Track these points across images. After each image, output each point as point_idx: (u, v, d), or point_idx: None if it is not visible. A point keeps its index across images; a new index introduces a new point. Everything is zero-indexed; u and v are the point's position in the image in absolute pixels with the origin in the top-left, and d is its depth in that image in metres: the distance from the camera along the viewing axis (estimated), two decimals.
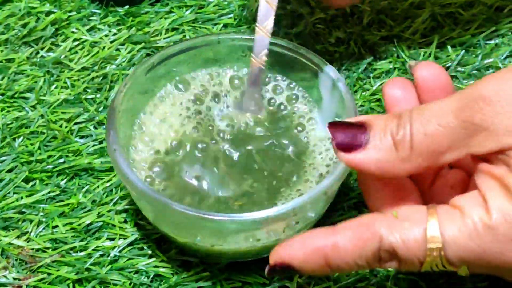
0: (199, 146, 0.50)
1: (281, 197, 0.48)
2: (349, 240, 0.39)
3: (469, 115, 0.37)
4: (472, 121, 0.37)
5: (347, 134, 0.39)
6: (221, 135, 0.51)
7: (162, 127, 0.51)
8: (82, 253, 0.50)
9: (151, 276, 0.49)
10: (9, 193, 0.52)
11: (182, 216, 0.43)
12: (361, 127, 0.39)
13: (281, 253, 0.40)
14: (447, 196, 0.40)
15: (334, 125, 0.40)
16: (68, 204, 0.52)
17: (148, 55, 0.60)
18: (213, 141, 0.50)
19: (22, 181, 0.53)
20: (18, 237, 0.51)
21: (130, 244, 0.51)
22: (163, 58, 0.51)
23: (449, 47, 0.61)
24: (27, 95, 0.58)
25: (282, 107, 0.53)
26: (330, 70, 0.50)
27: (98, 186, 0.53)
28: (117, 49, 0.60)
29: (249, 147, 0.50)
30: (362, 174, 0.43)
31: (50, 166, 0.54)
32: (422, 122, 0.38)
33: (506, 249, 0.36)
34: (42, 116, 0.56)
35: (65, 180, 0.53)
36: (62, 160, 0.54)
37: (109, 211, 0.52)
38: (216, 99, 0.53)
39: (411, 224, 0.38)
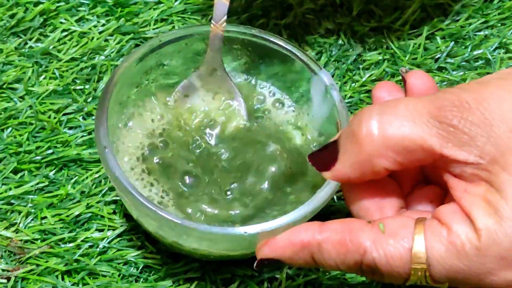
0: (188, 144, 0.49)
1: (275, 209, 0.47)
2: (332, 245, 0.39)
3: (447, 116, 0.36)
4: (450, 123, 0.36)
5: (321, 156, 0.41)
6: (209, 137, 0.50)
7: (149, 123, 0.50)
8: (71, 245, 0.50)
9: (140, 267, 0.49)
10: None
11: (172, 224, 0.42)
12: (334, 143, 0.40)
13: (268, 250, 0.40)
14: (425, 208, 0.41)
15: (310, 156, 0.42)
16: (56, 195, 0.52)
17: (136, 45, 0.60)
18: (200, 140, 0.50)
19: (11, 172, 0.53)
20: (6, 228, 0.51)
21: (119, 235, 0.51)
22: (152, 48, 0.50)
23: (438, 38, 0.61)
24: (16, 85, 0.57)
25: (266, 112, 0.52)
26: (324, 75, 0.49)
27: (87, 177, 0.53)
28: (106, 40, 0.60)
29: (236, 145, 0.50)
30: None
31: (38, 157, 0.53)
32: (395, 117, 0.38)
33: (494, 269, 0.36)
34: (30, 107, 0.56)
35: (53, 171, 0.53)
36: (50, 151, 0.54)
37: (98, 202, 0.52)
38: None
39: (397, 241, 0.37)
